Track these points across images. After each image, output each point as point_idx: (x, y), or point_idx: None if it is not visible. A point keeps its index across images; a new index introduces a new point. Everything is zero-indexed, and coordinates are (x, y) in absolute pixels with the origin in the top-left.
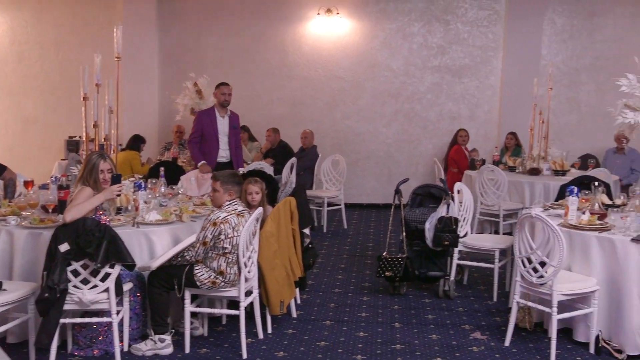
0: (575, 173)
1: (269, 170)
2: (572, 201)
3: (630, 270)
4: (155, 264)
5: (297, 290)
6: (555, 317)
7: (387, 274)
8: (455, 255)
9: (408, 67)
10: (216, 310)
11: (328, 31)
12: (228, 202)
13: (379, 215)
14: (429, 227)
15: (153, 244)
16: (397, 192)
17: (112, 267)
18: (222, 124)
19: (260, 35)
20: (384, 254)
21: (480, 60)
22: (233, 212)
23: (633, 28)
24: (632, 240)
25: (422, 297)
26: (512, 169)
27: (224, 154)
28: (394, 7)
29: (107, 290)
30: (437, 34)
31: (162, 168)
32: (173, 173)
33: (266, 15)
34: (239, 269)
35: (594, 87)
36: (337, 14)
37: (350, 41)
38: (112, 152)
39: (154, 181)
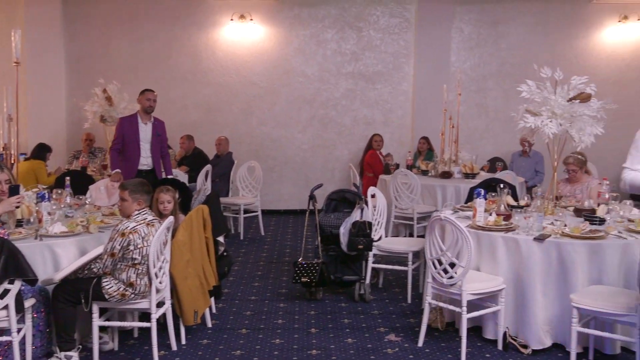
0: (484, 176)
1: (184, 178)
2: (480, 203)
3: (534, 268)
4: (59, 275)
5: (212, 299)
6: (465, 316)
7: (303, 279)
8: (370, 259)
9: (322, 73)
10: (127, 324)
11: (242, 37)
12: (137, 212)
13: (297, 221)
14: (343, 231)
15: (58, 257)
16: (312, 197)
17: (11, 282)
18: (145, 131)
19: (173, 40)
20: (299, 259)
21: (392, 67)
22: (142, 221)
23: (534, 36)
24: (535, 239)
25: (339, 301)
26: (425, 173)
27: (145, 162)
28: (307, 13)
29: (6, 307)
30: (350, 40)
31: (67, 178)
32: (82, 182)
33: (178, 20)
34: (150, 279)
35: (501, 93)
36: (251, 20)
37: (264, 47)
38: (12, 161)
39: (59, 191)
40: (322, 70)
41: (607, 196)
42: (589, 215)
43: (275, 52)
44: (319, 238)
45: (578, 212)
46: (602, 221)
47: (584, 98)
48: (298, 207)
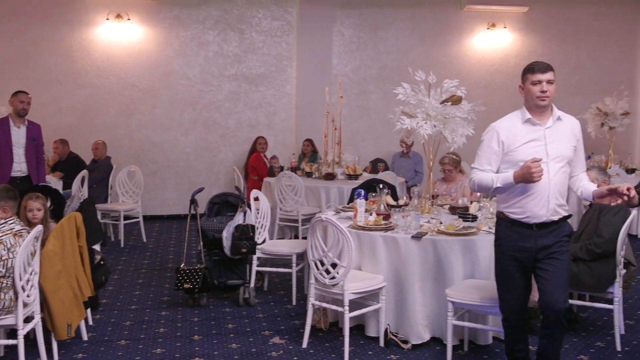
0: (366, 177)
1: (57, 184)
2: (360, 203)
3: (412, 266)
4: None
5: (88, 310)
6: (347, 315)
7: (186, 286)
8: (255, 262)
9: (205, 75)
10: None
11: (119, 37)
12: (3, 221)
13: (180, 227)
14: (226, 235)
15: None
16: (193, 201)
17: None
18: (18, 135)
19: (43, 39)
20: (182, 265)
21: (275, 70)
22: (9, 232)
23: (411, 41)
24: (412, 237)
25: (223, 306)
26: (309, 175)
27: (19, 168)
28: (187, 14)
29: None
30: (232, 42)
31: None
32: None
33: (48, 18)
34: (16, 293)
35: (381, 95)
36: (128, 19)
37: (143, 48)
38: None
39: None
40: (205, 72)
41: (478, 194)
42: (463, 213)
43: (154, 54)
44: (202, 243)
45: (453, 210)
46: (474, 218)
47: (455, 100)
48: (182, 212)
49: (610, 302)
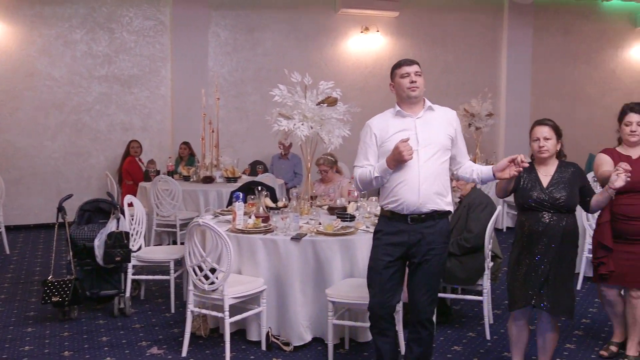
0: (245, 179)
1: None
2: (239, 206)
3: (292, 267)
4: None
5: None
6: (228, 320)
7: (54, 299)
8: (130, 270)
9: (72, 76)
10: None
11: None
12: None
13: (48, 236)
14: (98, 244)
15: None
16: (60, 209)
17: None
18: None
19: None
20: (49, 277)
21: (149, 70)
22: None
23: (288, 43)
24: (292, 239)
25: (96, 318)
26: (187, 179)
27: None
28: (51, 12)
29: None
30: (102, 42)
31: None
32: None
33: None
34: None
35: (259, 97)
36: None
37: (2, 47)
38: None
39: None
40: (72, 73)
41: (355, 194)
42: (341, 213)
43: (15, 53)
44: (72, 252)
45: (331, 210)
46: (352, 218)
47: (331, 102)
48: (51, 220)
49: (480, 294)
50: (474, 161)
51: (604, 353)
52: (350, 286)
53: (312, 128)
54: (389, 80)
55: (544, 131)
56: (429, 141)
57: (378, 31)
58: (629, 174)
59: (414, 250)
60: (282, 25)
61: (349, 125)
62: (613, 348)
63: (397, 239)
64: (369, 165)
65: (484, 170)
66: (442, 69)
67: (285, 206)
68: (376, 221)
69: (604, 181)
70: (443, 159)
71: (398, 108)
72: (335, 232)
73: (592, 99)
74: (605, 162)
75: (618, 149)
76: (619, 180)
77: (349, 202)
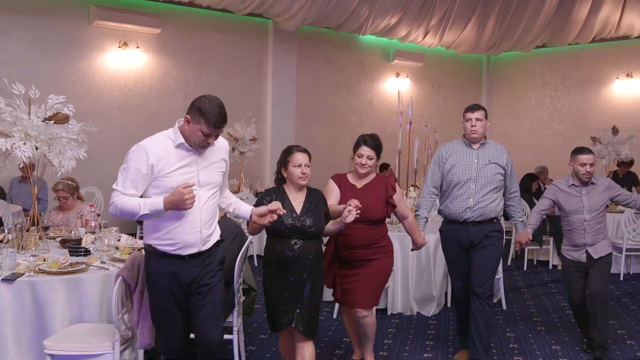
0: None
1: None
2: None
3: (4, 314)
4: None
5: None
6: None
7: None
8: None
9: None
10: None
11: None
12: None
13: None
14: None
15: None
16: None
17: None
18: None
19: None
20: None
21: None
22: None
23: (33, 53)
24: (3, 280)
25: None
26: None
27: None
28: None
29: None
30: None
31: None
32: None
33: None
34: None
35: None
36: None
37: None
38: None
39: None
40: None
41: (93, 224)
42: (73, 246)
43: None
44: None
45: (64, 242)
46: (87, 252)
47: (60, 119)
48: None
49: (230, 331)
50: (238, 187)
51: None
52: (74, 334)
53: (37, 148)
54: (151, 100)
55: (305, 158)
56: (209, 180)
57: (138, 47)
58: (359, 210)
59: (194, 284)
60: (25, 32)
61: (86, 146)
62: None
63: (178, 278)
64: (134, 195)
65: (242, 208)
66: (208, 91)
67: (1, 240)
68: (116, 255)
69: (334, 213)
70: (217, 196)
71: (181, 139)
72: (61, 271)
73: (351, 127)
74: (331, 192)
75: (349, 175)
76: (350, 216)
77: (87, 234)
